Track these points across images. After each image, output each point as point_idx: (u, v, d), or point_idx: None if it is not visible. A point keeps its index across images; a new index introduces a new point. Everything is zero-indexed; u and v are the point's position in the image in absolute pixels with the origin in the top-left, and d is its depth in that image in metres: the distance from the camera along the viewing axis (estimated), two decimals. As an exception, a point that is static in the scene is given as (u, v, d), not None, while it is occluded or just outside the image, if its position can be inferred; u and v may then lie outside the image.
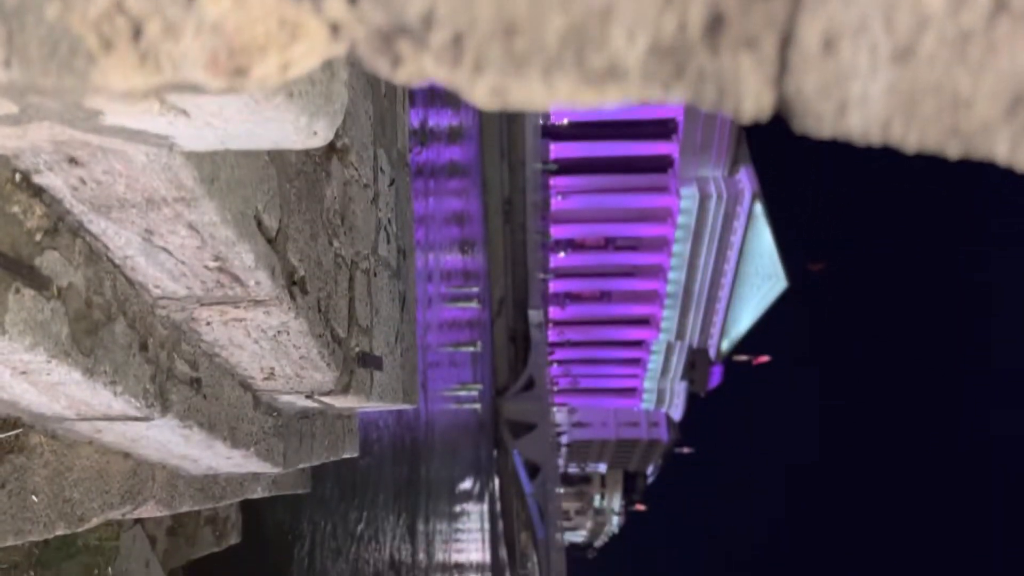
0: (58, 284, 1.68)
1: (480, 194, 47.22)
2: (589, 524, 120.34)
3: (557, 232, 70.75)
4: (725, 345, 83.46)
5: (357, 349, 2.98)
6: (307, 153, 2.45)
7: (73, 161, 1.53)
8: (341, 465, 10.67)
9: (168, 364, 2.18)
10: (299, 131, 1.30)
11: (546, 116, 61.97)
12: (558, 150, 67.38)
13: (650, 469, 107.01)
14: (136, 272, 1.94)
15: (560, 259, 72.58)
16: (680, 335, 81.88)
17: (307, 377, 2.69)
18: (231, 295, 2.08)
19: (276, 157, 2.14)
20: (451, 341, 30.61)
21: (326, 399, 2.91)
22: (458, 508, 30.58)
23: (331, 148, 2.73)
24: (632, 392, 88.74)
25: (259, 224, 2.00)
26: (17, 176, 1.55)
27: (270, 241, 2.08)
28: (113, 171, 1.57)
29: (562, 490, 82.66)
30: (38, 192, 1.61)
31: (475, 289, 36.30)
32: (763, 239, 71.46)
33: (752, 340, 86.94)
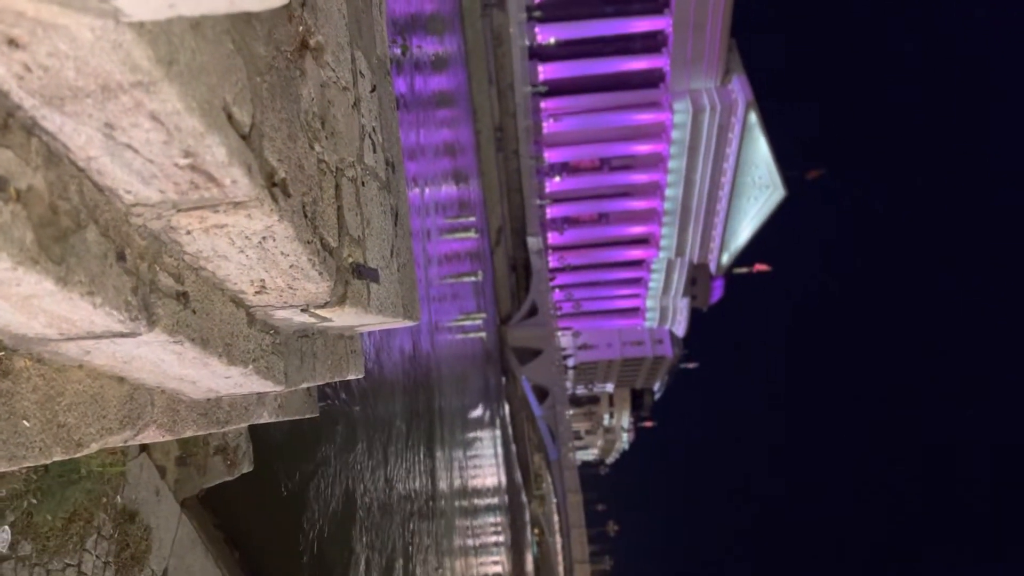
0: (16, 186, 1.56)
1: (471, 122, 46.51)
2: (600, 442, 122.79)
3: (551, 156, 70.00)
4: (725, 259, 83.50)
5: (350, 260, 2.88)
6: (276, 47, 2.30)
7: (13, 43, 1.39)
8: (353, 400, 10.73)
9: (150, 277, 2.08)
10: (251, -23, 1.16)
11: (533, 36, 60.55)
12: (547, 71, 66.06)
13: (657, 386, 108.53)
14: (103, 176, 1.82)
15: (556, 184, 72.04)
16: (680, 251, 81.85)
17: (300, 289, 2.59)
18: (208, 197, 1.97)
19: (242, 46, 1.99)
20: (452, 273, 30.60)
21: (323, 312, 2.82)
22: (472, 435, 31.11)
23: (303, 45, 2.57)
24: (635, 311, 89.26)
25: (229, 117, 1.87)
26: (-46, 65, 1.42)
27: (244, 137, 1.95)
28: (59, 52, 1.43)
29: (571, 411, 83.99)
30: (-20, 84, 1.48)
31: (472, 219, 36.08)
32: (759, 149, 70.67)
33: (752, 252, 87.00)
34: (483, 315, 37.12)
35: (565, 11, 65.04)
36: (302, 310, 2.78)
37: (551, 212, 73.90)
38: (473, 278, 34.22)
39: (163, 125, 1.66)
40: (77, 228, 1.76)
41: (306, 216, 2.40)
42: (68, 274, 1.71)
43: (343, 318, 2.99)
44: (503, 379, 55.10)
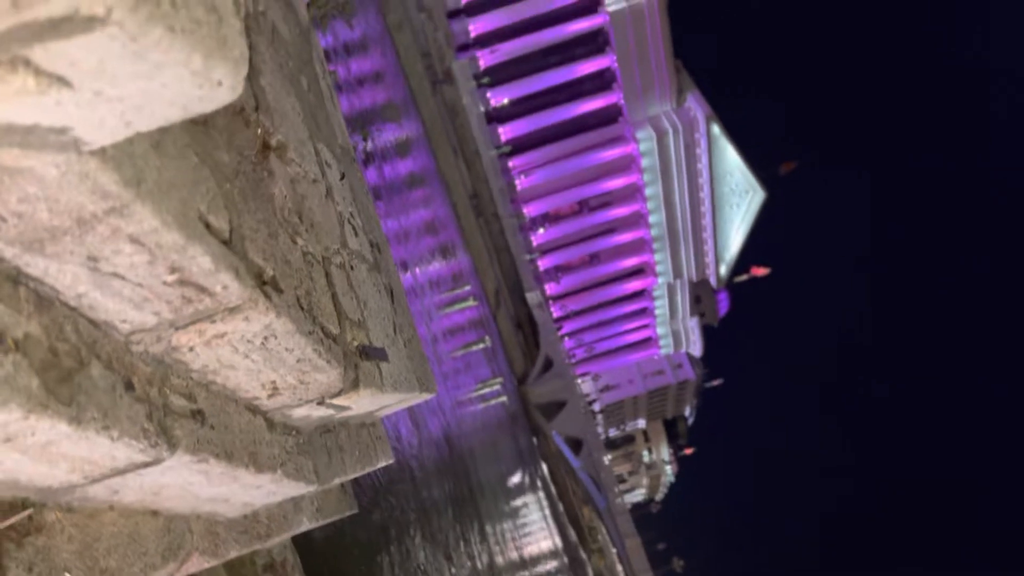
0: (12, 336, 1.57)
1: (445, 196, 47.02)
2: (645, 481, 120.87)
3: (530, 210, 70.66)
4: (723, 270, 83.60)
5: (355, 343, 2.88)
6: (239, 153, 2.34)
7: (-18, 196, 1.42)
8: (388, 495, 10.59)
9: (162, 400, 2.07)
10: (198, 77, 1.19)
11: (486, 102, 61.72)
12: (508, 131, 67.18)
13: (687, 411, 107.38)
14: (96, 310, 1.83)
15: (541, 236, 72.52)
16: (677, 273, 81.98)
17: (311, 381, 2.59)
18: (202, 309, 1.97)
19: (206, 157, 2.02)
20: (460, 345, 30.57)
21: (339, 401, 2.81)
22: (516, 503, 30.62)
23: (265, 146, 2.62)
24: (648, 342, 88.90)
25: (207, 226, 1.89)
26: (-70, 231, 1.44)
27: (225, 243, 1.97)
28: (29, 196, 1.45)
29: (609, 456, 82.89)
30: (-41, 244, 1.50)
31: (467, 288, 36.21)
32: (728, 157, 71.44)
33: (749, 258, 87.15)
34: (499, 379, 36.95)
35: (512, 71, 66.46)
36: (318, 403, 2.76)
37: (543, 264, 74.22)
38: (481, 345, 34.19)
39: (144, 246, 1.68)
40: (80, 366, 1.76)
41: (303, 308, 2.41)
42: (80, 413, 1.70)
43: (360, 403, 2.97)
44: (534, 439, 54.52)
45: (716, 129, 70.33)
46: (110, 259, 1.68)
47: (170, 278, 1.80)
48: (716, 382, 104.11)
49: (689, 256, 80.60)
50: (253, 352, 2.26)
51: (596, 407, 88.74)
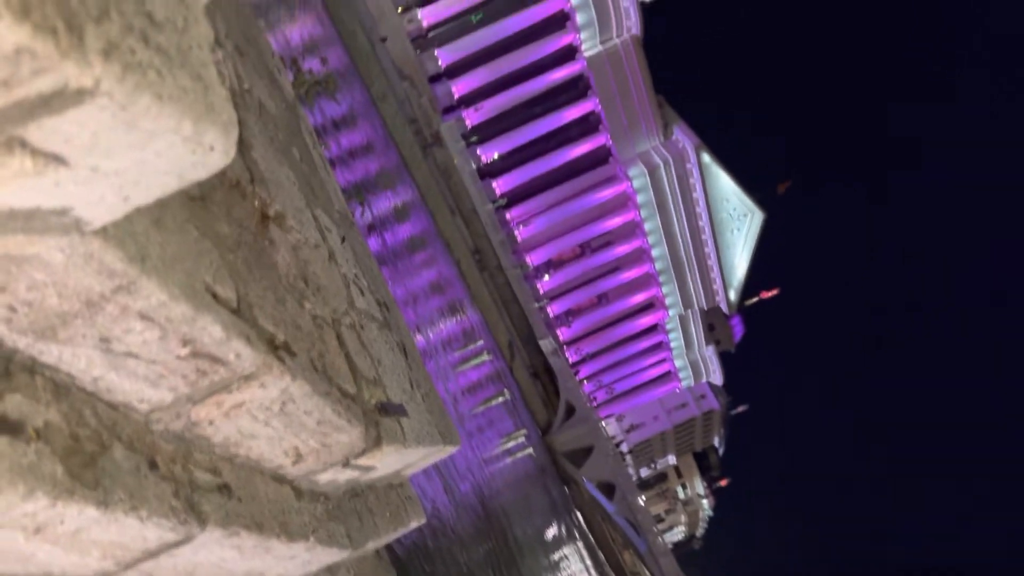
0: (33, 426, 1.58)
1: (448, 255, 47.30)
2: (683, 518, 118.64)
3: (533, 259, 70.92)
4: (733, 295, 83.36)
5: (373, 401, 2.87)
6: (239, 224, 2.37)
7: (-8, 288, 1.44)
8: (426, 562, 10.42)
9: (187, 477, 2.06)
10: (190, 143, 1.22)
11: (477, 159, 62.47)
12: (502, 184, 67.88)
13: (717, 441, 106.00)
14: (113, 392, 1.84)
15: (547, 282, 72.62)
16: (687, 304, 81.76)
17: (334, 443, 2.57)
18: (218, 380, 1.98)
19: (206, 230, 2.05)
20: (480, 401, 30.43)
21: (364, 461, 2.79)
22: (556, 556, 30.05)
23: (264, 216, 2.65)
24: (668, 376, 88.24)
25: (215, 297, 1.91)
26: (-57, 329, 1.46)
27: (234, 312, 1.99)
28: (37, 284, 1.48)
29: (644, 496, 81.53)
30: (-27, 339, 1.51)
31: (480, 343, 36.17)
32: (722, 183, 71.88)
33: (756, 280, 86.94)
34: (523, 431, 36.62)
35: (498, 127, 67.45)
36: (343, 465, 2.75)
37: (552, 310, 74.18)
38: (501, 399, 34.02)
39: (154, 321, 1.69)
40: (103, 450, 1.76)
41: (317, 370, 2.41)
42: (107, 496, 1.70)
43: (385, 461, 2.95)
44: (565, 489, 53.78)
45: (706, 157, 70.91)
46: (122, 338, 1.70)
47: (183, 351, 1.81)
48: (741, 408, 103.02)
49: (697, 285, 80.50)
50: (273, 419, 2.26)
51: (624, 448, 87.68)
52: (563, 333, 75.52)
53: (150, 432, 1.98)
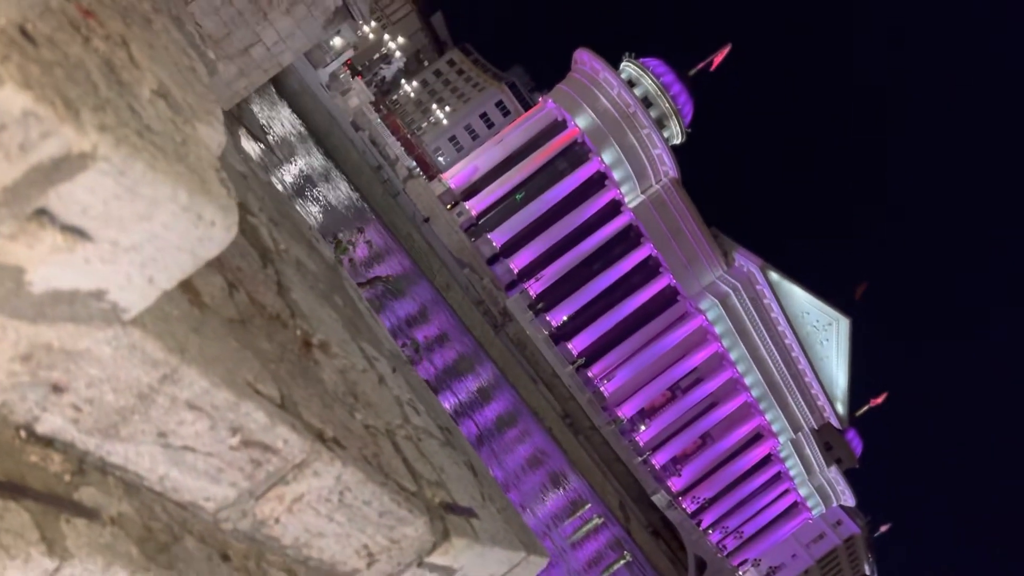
0: (108, 514, 1.77)
1: (539, 426, 46.95)
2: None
3: (625, 411, 69.63)
4: (841, 408, 79.59)
5: (437, 500, 2.97)
6: (281, 345, 2.62)
7: (56, 388, 1.69)
8: None
9: (261, 574, 2.19)
10: (188, 212, 1.49)
11: (548, 325, 63.34)
12: (577, 344, 68.19)
13: (867, 568, 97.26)
14: (180, 492, 2.02)
15: (645, 433, 70.79)
16: (796, 427, 78.25)
17: (401, 538, 2.66)
18: (273, 471, 2.15)
19: (247, 343, 2.30)
20: (603, 569, 29.09)
21: (438, 559, 2.85)
22: None
23: (307, 343, 2.90)
24: (795, 508, 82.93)
25: (257, 392, 2.12)
26: (22, 433, 1.70)
27: (278, 406, 2.19)
28: (94, 380, 1.72)
29: (805, 645, 74.37)
30: (48, 442, 1.75)
31: (588, 507, 35.10)
32: (797, 297, 70.78)
33: (862, 387, 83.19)
34: (655, 593, 34.58)
35: (560, 291, 68.91)
36: (418, 565, 2.81)
37: (657, 460, 71.75)
38: (623, 562, 32.57)
39: (202, 410, 1.91)
40: (175, 540, 1.93)
41: (371, 463, 2.56)
42: (180, 576, 1.85)
43: (461, 559, 2.99)
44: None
45: (774, 275, 70.43)
46: (177, 431, 1.91)
47: (234, 440, 2.01)
48: (884, 528, 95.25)
49: (800, 405, 77.36)
50: (335, 512, 2.39)
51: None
52: (674, 483, 72.51)
53: (220, 531, 2.14)
